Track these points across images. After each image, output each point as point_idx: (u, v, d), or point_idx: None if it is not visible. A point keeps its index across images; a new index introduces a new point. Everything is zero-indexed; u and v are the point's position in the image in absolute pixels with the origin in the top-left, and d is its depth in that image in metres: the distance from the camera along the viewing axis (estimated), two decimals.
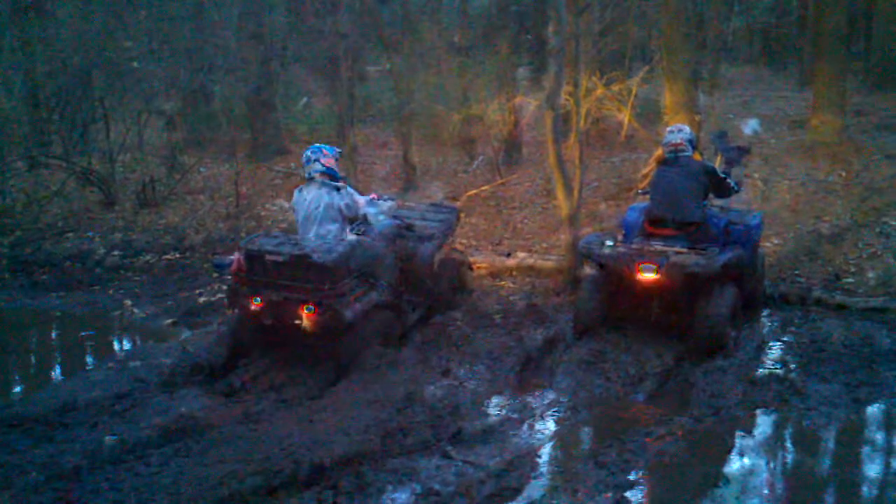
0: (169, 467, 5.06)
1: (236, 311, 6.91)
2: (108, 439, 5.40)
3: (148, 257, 10.41)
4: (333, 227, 6.90)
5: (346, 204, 6.94)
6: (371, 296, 6.82)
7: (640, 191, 8.33)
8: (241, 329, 6.97)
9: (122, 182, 13.93)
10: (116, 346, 8.16)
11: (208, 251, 10.58)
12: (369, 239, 7.09)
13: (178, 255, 10.44)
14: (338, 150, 7.27)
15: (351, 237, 6.95)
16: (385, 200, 7.34)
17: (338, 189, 6.95)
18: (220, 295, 8.71)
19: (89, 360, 7.85)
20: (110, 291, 9.18)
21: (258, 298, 6.60)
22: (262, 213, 12.62)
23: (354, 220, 7.06)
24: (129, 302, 8.74)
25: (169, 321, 8.18)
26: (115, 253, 10.64)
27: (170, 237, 11.41)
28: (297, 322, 6.51)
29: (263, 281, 6.63)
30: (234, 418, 5.74)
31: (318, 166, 6.97)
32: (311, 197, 6.97)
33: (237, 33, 17.32)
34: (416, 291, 7.55)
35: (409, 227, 7.67)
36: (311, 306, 6.43)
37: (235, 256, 6.80)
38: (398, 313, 7.22)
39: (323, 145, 7.18)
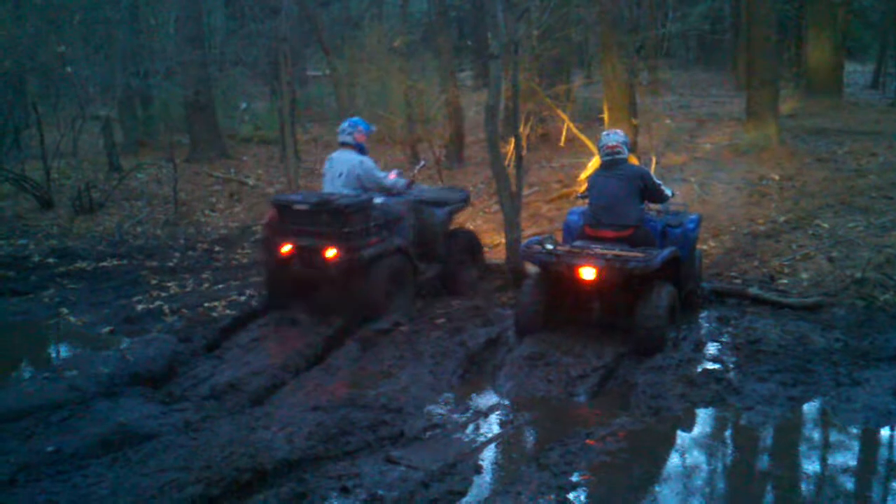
0: (107, 478, 4.95)
1: (268, 259, 7.88)
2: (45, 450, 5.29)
3: (84, 264, 10.19)
4: (353, 193, 7.75)
5: (365, 174, 7.93)
6: (388, 242, 7.70)
7: (579, 195, 8.44)
8: (273, 278, 7.92)
9: (57, 188, 13.66)
10: (53, 355, 7.98)
11: (146, 258, 10.42)
12: (391, 202, 8.00)
13: (115, 262, 10.25)
14: (373, 128, 8.46)
15: (375, 198, 7.83)
16: (401, 178, 8.33)
17: (361, 161, 7.94)
18: (158, 302, 8.59)
19: (24, 369, 7.67)
20: (45, 299, 8.96)
21: (288, 245, 7.51)
22: (202, 220, 12.49)
23: (371, 190, 7.94)
24: (65, 310, 8.55)
25: (107, 329, 8.01)
26: (51, 260, 10.42)
27: (106, 244, 11.21)
28: (321, 265, 7.41)
29: (293, 229, 7.54)
30: (174, 427, 5.64)
31: (349, 138, 8.07)
32: (338, 163, 8.01)
33: (175, 37, 17.13)
34: (429, 252, 8.34)
35: (426, 202, 8.46)
36: (332, 248, 7.28)
37: (269, 211, 7.91)
38: (412, 265, 8.01)
39: (360, 121, 8.31)
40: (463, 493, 4.87)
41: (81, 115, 13.91)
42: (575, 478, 4.97)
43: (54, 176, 13.67)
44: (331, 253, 7.28)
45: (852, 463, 5.36)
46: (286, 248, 7.50)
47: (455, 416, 5.94)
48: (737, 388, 6.09)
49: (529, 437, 5.85)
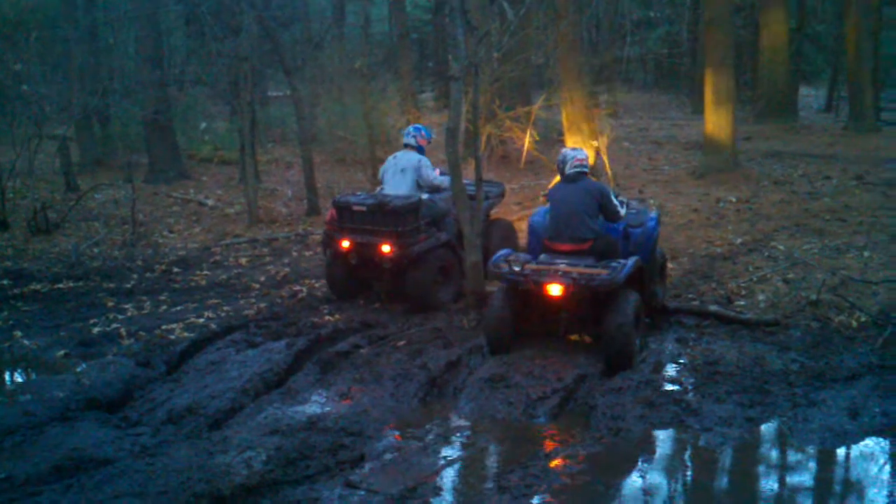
0: None
1: (329, 252, 8.93)
2: None
3: (39, 286, 10.03)
4: (409, 188, 8.90)
5: (420, 172, 8.98)
6: (435, 237, 8.67)
7: (543, 193, 8.67)
8: (333, 270, 8.95)
9: (12, 208, 13.46)
10: (6, 379, 7.83)
11: (103, 280, 10.28)
12: (436, 198, 8.91)
13: (71, 284, 10.10)
14: (433, 136, 9.74)
15: (423, 196, 8.77)
16: (446, 176, 8.97)
17: (419, 160, 9.03)
18: (115, 325, 8.47)
19: None
20: None
21: (347, 242, 8.53)
22: (161, 241, 12.36)
23: (424, 186, 9.00)
24: (18, 333, 8.41)
25: (62, 352, 7.89)
26: (5, 281, 10.23)
27: (62, 265, 11.04)
28: (376, 260, 8.44)
29: (350, 227, 8.58)
30: (130, 452, 5.56)
31: (412, 140, 9.25)
32: (401, 160, 9.09)
33: (134, 56, 17.01)
34: None
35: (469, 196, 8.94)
36: (387, 245, 8.31)
37: (329, 210, 8.92)
38: (457, 256, 8.88)
39: (423, 127, 9.58)
40: None
41: (38, 134, 13.69)
42: (536, 500, 4.98)
43: (9, 196, 13.47)
44: (385, 248, 8.31)
45: (809, 483, 5.41)
46: (345, 244, 8.50)
47: (415, 439, 5.91)
48: (695, 410, 6.13)
49: (490, 460, 5.85)
